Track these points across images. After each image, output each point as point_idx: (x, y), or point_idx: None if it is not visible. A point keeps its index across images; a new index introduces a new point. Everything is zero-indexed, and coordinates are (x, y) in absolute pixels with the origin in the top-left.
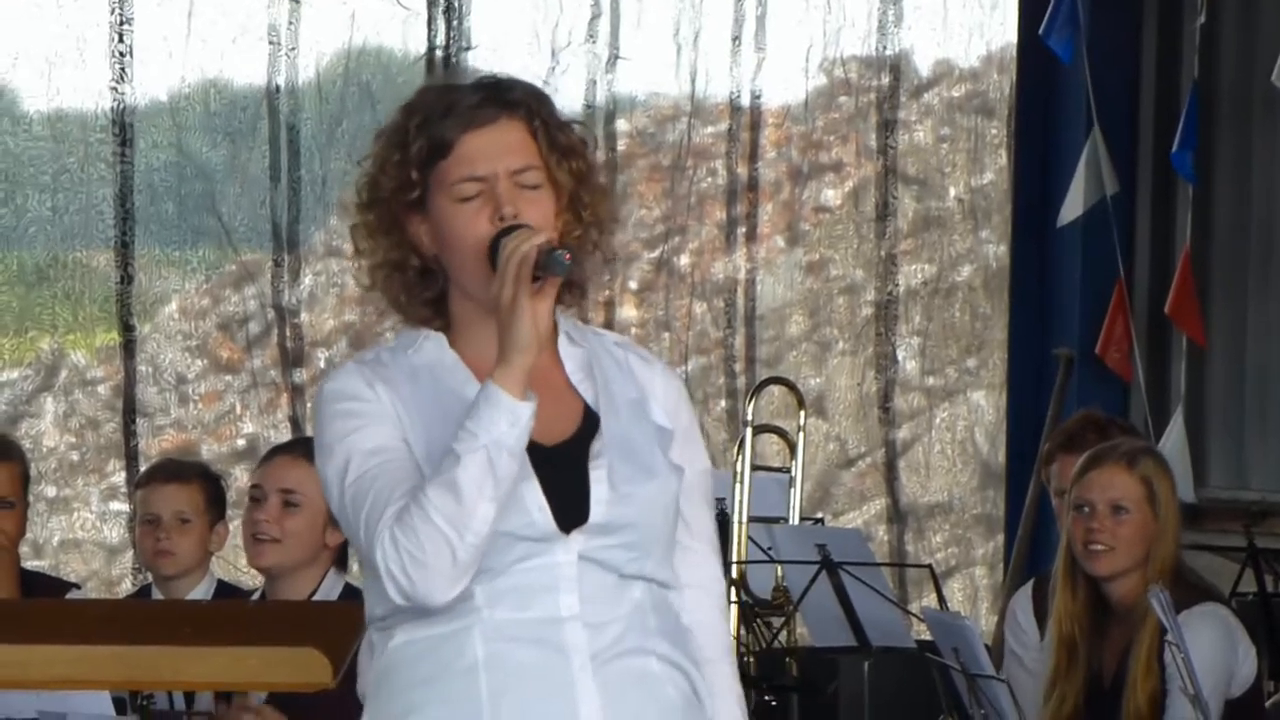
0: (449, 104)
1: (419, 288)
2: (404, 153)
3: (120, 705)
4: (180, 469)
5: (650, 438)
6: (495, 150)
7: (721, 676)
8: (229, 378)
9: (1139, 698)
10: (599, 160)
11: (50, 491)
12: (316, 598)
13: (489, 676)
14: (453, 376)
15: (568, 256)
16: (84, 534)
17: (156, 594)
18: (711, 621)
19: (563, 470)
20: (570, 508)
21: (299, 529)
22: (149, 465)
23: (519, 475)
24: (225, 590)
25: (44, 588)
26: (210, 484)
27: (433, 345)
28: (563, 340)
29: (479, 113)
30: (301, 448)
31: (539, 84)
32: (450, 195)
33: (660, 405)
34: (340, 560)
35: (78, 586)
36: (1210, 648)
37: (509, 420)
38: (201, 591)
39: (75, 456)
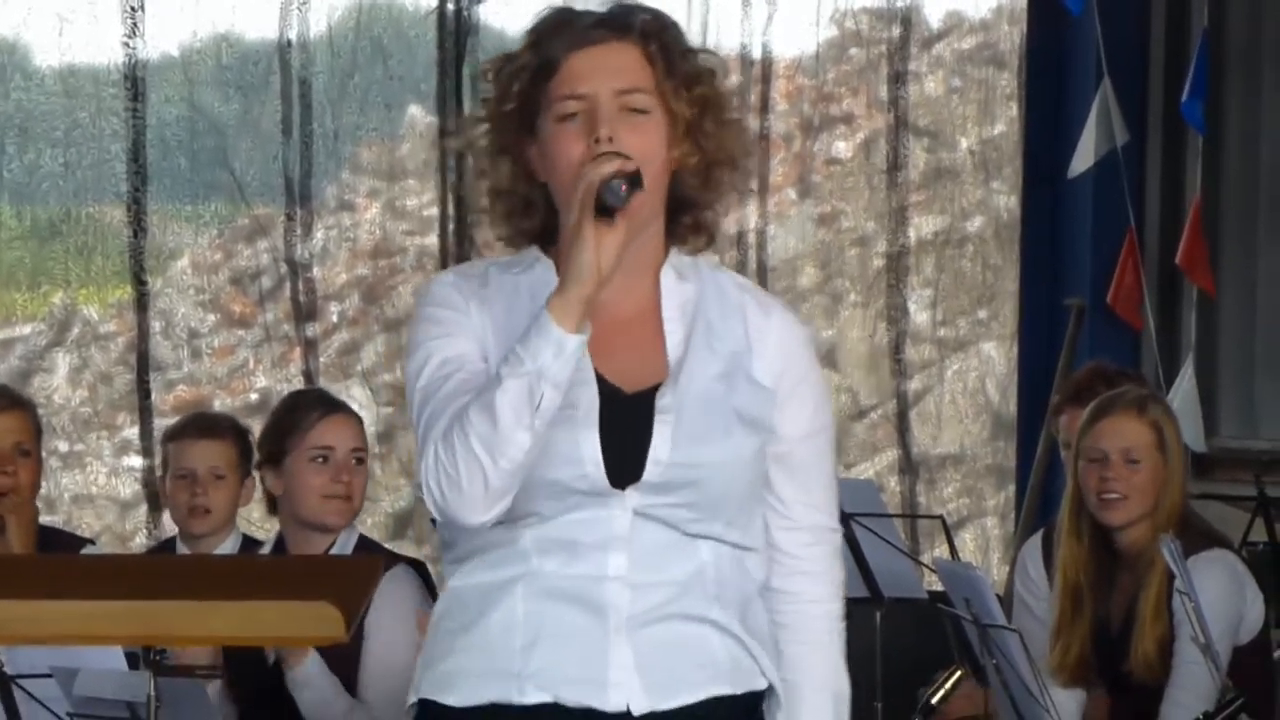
0: (563, 23)
1: (519, 217)
2: (513, 67)
3: (133, 660)
4: (214, 423)
5: (738, 394)
6: (600, 69)
7: (817, 665)
8: (241, 332)
9: (1147, 644)
10: (731, 91)
11: (63, 446)
12: (335, 550)
13: (525, 631)
14: None
15: (624, 188)
16: (96, 489)
17: (182, 549)
18: (806, 594)
19: (636, 421)
20: (631, 463)
21: (363, 485)
22: (180, 419)
23: (581, 422)
24: (249, 545)
25: (60, 543)
26: (241, 439)
27: (542, 268)
28: (669, 275)
29: (590, 33)
30: (345, 406)
31: None
32: (553, 114)
33: (767, 362)
34: None
35: (93, 543)
36: (1217, 592)
37: (554, 351)
38: (229, 546)
39: (87, 411)
